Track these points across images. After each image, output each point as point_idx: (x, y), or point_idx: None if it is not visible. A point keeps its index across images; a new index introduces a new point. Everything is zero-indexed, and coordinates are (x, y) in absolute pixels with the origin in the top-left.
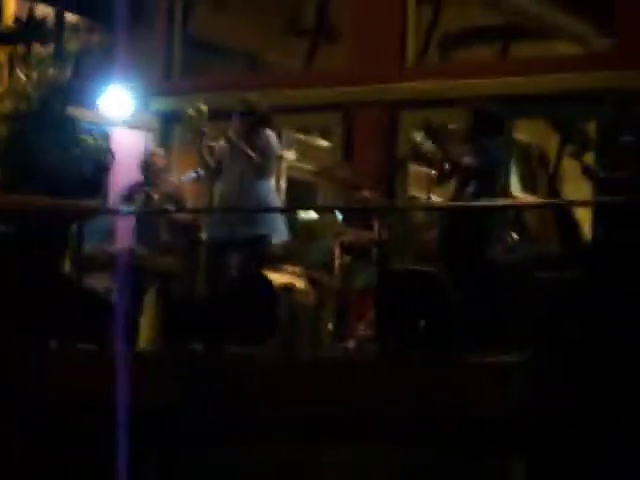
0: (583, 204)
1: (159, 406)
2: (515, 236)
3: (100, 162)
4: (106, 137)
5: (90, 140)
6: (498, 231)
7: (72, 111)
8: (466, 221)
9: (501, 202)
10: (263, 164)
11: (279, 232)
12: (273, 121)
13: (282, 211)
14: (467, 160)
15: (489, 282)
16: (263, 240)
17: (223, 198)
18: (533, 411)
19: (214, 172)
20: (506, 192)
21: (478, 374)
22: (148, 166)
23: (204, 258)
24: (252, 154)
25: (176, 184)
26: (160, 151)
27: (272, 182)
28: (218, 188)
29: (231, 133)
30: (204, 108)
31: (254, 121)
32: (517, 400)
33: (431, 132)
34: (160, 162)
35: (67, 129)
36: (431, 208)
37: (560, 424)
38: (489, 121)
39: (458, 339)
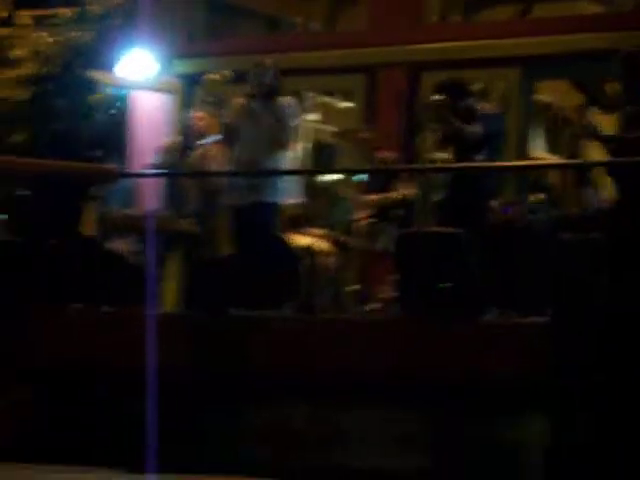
0: (603, 164)
1: (181, 369)
2: (539, 196)
3: (113, 118)
4: (122, 97)
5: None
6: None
7: (95, 74)
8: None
9: (521, 163)
10: (277, 135)
11: (291, 197)
12: (285, 87)
13: (305, 173)
14: (471, 128)
15: (506, 244)
16: (268, 207)
17: (237, 164)
18: (556, 373)
19: (231, 137)
20: (526, 153)
21: (501, 335)
22: (188, 128)
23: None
24: (267, 121)
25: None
26: (201, 114)
27: (288, 152)
28: (234, 154)
29: (247, 101)
30: (227, 73)
31: (266, 91)
32: (540, 361)
33: (444, 88)
34: (201, 124)
35: (87, 92)
36: (448, 169)
37: (584, 386)
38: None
39: (480, 301)
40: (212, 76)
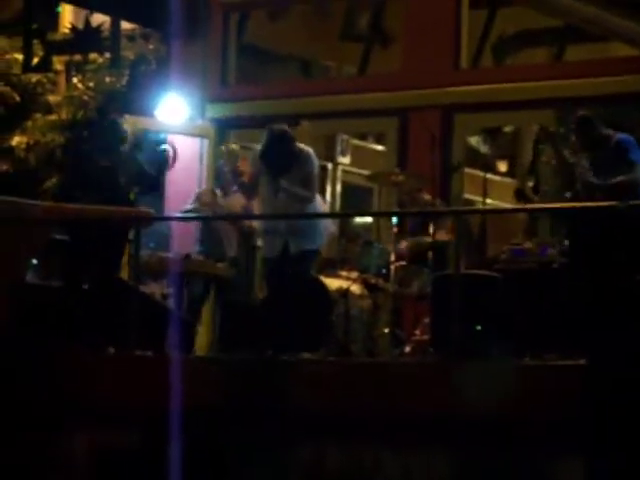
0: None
1: (214, 412)
2: None
3: (159, 165)
4: (164, 142)
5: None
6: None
7: (129, 119)
8: None
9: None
10: (308, 195)
11: (322, 241)
12: (318, 131)
13: (338, 216)
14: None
15: (546, 286)
16: (313, 255)
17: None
18: (594, 414)
19: (250, 189)
20: None
21: (538, 377)
22: (222, 173)
23: (260, 266)
24: (300, 193)
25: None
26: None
27: (317, 199)
28: (259, 204)
29: (282, 183)
30: (234, 147)
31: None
32: (578, 403)
33: (547, 136)
34: (243, 168)
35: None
36: (481, 211)
37: (621, 427)
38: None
39: (517, 342)
40: (233, 146)
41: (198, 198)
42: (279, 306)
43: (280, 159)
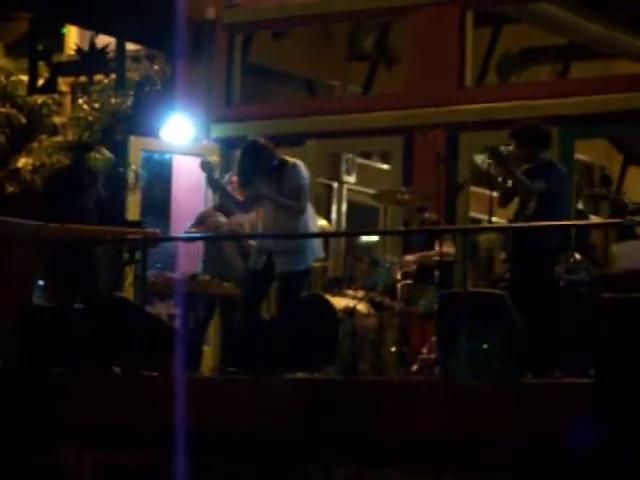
0: None
1: (218, 434)
2: (577, 256)
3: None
4: (163, 162)
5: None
6: (560, 251)
7: (134, 140)
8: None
9: (563, 222)
10: (295, 205)
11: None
12: (323, 150)
13: (343, 235)
14: (539, 184)
15: (553, 304)
16: (301, 275)
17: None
18: (603, 435)
19: (246, 206)
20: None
21: (544, 397)
22: (224, 192)
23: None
24: (284, 201)
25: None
26: (236, 177)
27: (308, 213)
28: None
29: (262, 189)
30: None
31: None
32: (585, 423)
33: (497, 155)
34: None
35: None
36: (492, 229)
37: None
38: (540, 134)
39: (523, 362)
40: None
41: (200, 218)
42: (285, 325)
43: (250, 169)
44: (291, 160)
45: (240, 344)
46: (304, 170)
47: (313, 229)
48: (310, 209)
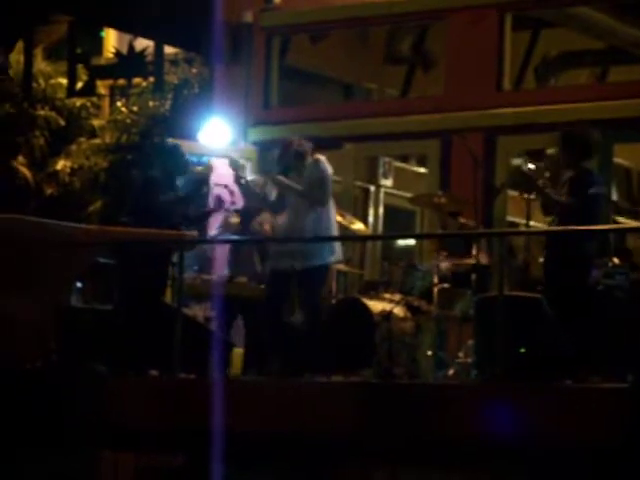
0: None
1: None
2: (616, 261)
3: (201, 189)
4: (208, 167)
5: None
6: (598, 256)
7: (173, 142)
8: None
9: (601, 227)
10: (316, 194)
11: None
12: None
13: (382, 238)
14: (569, 201)
15: (591, 308)
16: (320, 271)
17: (284, 229)
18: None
19: (276, 206)
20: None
21: (581, 401)
22: (251, 194)
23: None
24: (299, 187)
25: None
26: (262, 179)
27: (331, 209)
28: (281, 219)
29: (276, 176)
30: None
31: (291, 159)
32: (622, 426)
33: (521, 175)
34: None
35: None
36: (529, 233)
37: None
38: (586, 144)
39: (560, 365)
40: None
41: (226, 222)
42: (315, 327)
43: (282, 164)
44: (315, 155)
45: (266, 346)
46: (326, 164)
47: (334, 225)
48: (331, 206)
